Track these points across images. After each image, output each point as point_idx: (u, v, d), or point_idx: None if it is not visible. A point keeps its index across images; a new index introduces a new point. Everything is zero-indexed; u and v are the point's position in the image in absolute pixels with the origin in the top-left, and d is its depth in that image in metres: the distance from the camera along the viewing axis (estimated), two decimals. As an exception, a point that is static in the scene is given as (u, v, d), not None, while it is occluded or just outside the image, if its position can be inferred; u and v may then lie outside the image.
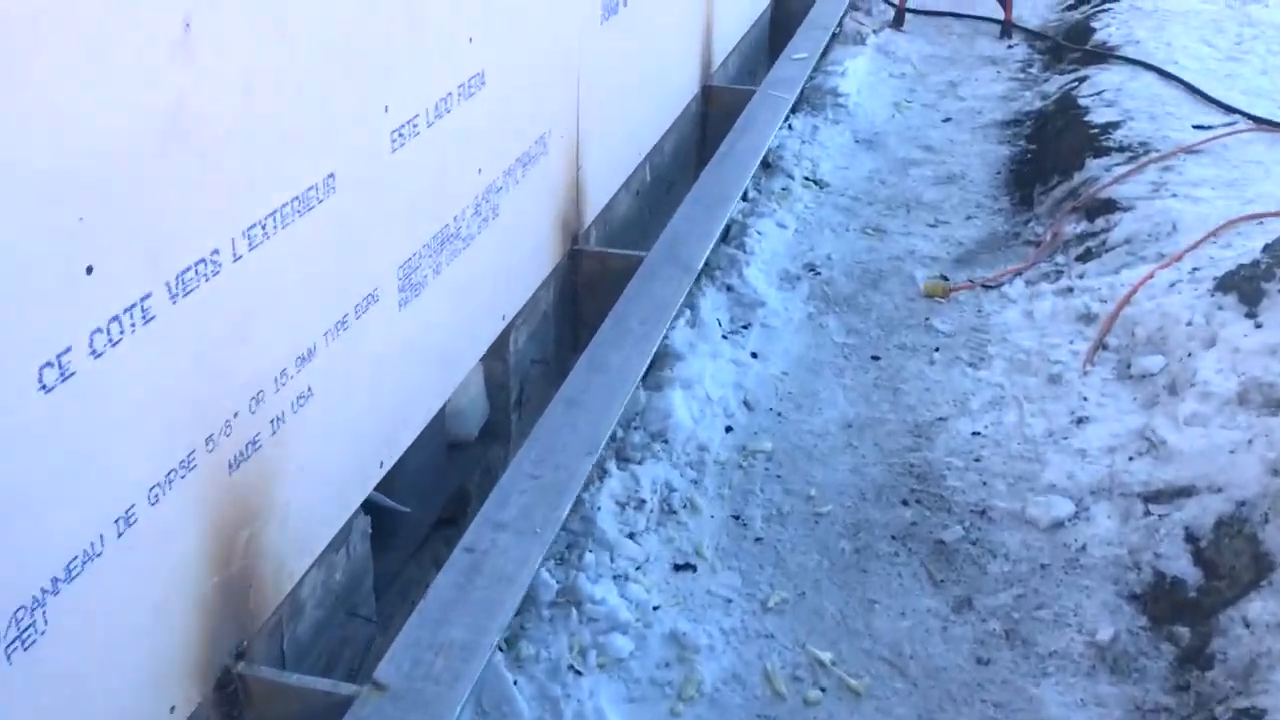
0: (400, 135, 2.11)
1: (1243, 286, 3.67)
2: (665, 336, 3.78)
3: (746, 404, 3.79)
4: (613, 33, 3.40)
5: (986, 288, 4.49)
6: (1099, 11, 7.68)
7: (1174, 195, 4.61)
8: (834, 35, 7.34)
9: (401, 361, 2.31)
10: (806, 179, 5.49)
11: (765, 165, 5.43)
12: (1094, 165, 5.11)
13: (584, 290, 3.41)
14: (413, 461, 2.44)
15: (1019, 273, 4.56)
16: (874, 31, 7.81)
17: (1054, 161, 5.45)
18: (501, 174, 2.61)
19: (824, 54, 6.93)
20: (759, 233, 4.81)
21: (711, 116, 4.85)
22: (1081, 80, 6.34)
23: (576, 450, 2.47)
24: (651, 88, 4.00)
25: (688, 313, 4.04)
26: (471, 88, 2.33)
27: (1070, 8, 8.28)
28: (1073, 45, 7.11)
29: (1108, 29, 7.19)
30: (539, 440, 2.49)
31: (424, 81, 2.24)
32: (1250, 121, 5.35)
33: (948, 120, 6.47)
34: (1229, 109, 5.49)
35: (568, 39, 3.06)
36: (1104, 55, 6.66)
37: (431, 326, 2.42)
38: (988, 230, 5.08)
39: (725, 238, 4.74)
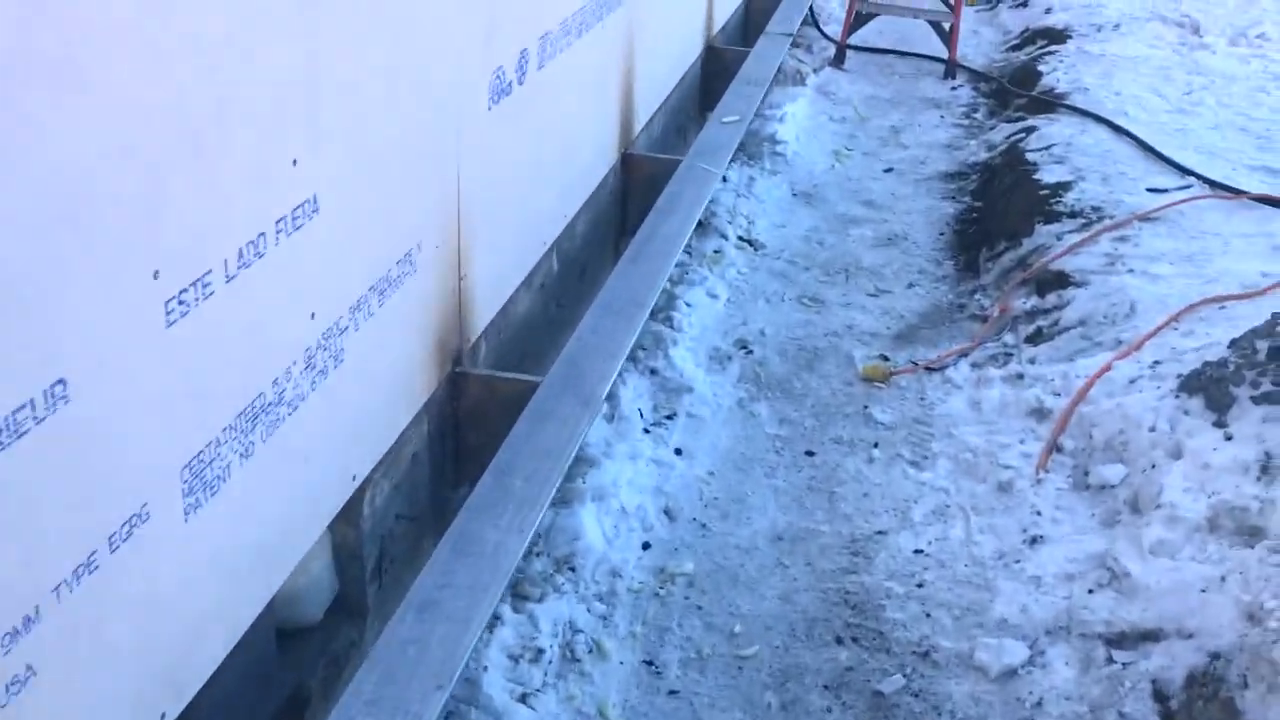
0: (181, 304, 1.62)
1: (1210, 389, 3.33)
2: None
3: (668, 513, 3.39)
4: (504, 116, 2.95)
5: (930, 370, 4.13)
6: (1045, 54, 7.39)
7: (1130, 271, 4.28)
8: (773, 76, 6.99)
9: (190, 584, 1.80)
10: (741, 239, 5.11)
11: (697, 225, 5.05)
12: (1044, 232, 4.77)
13: (468, 419, 2.93)
14: (227, 673, 1.95)
15: (964, 353, 4.20)
16: (814, 70, 7.47)
17: (1001, 224, 5.11)
18: (346, 311, 2.15)
19: (762, 97, 6.58)
20: (688, 304, 4.41)
21: (633, 187, 4.39)
22: (1029, 131, 6.02)
23: (422, 684, 1.94)
24: (557, 168, 3.52)
25: (606, 406, 3.63)
26: (298, 219, 1.88)
27: (1015, 48, 8.00)
28: (1019, 91, 6.80)
29: (1055, 74, 6.89)
30: (377, 666, 1.99)
31: (217, 227, 1.74)
32: (1205, 185, 5.04)
33: (890, 170, 6.13)
34: (1183, 170, 5.18)
35: (443, 134, 2.59)
36: (1052, 104, 6.36)
37: (240, 524, 1.91)
38: (931, 301, 4.72)
39: (652, 312, 4.34)
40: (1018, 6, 8.82)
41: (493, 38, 2.82)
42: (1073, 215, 4.81)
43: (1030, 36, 7.96)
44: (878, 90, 7.40)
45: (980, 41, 8.43)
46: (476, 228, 2.81)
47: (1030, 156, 5.59)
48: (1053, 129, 5.90)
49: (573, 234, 3.70)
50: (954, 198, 5.74)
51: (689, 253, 4.85)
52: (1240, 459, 3.09)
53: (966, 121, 6.81)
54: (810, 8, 8.09)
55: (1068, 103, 6.28)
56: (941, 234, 5.36)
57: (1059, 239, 4.67)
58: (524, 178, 3.21)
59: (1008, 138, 6.15)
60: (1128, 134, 5.68)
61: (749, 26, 6.51)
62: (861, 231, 5.35)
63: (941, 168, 6.15)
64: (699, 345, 4.22)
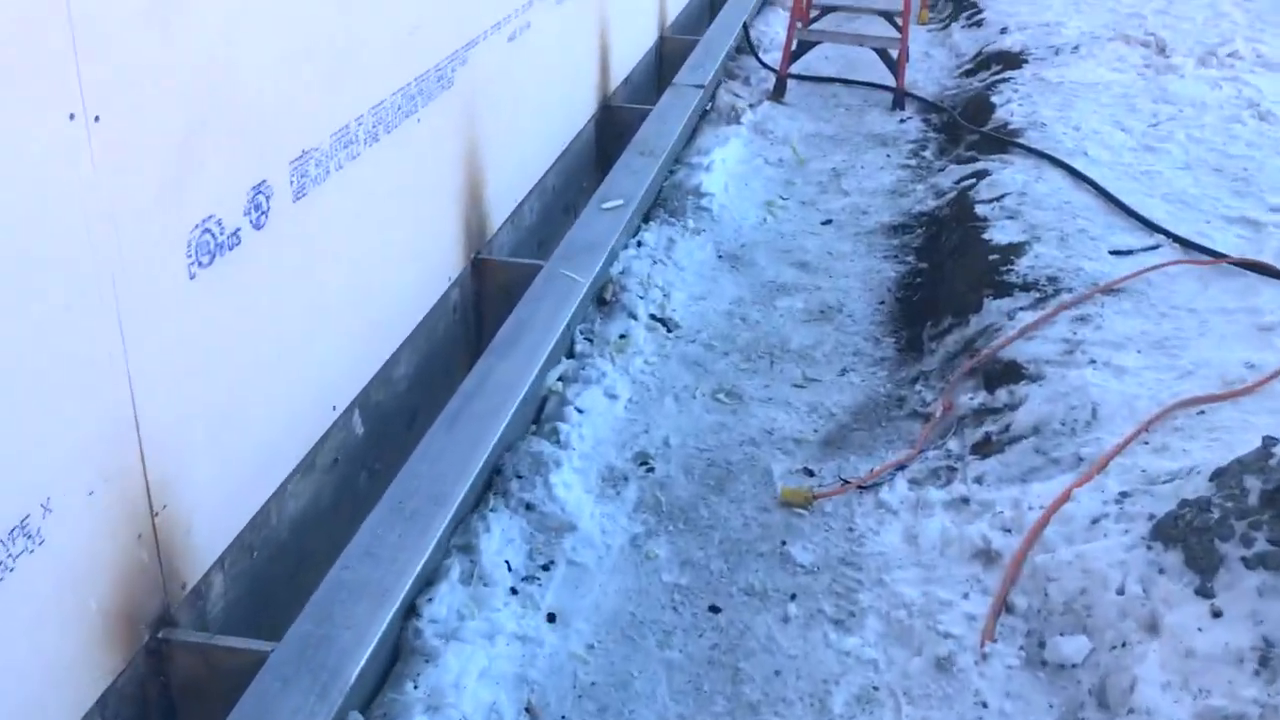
0: None
1: (1190, 542, 2.67)
2: (415, 612, 2.71)
3: (529, 714, 2.72)
4: (226, 280, 2.26)
5: (862, 488, 3.47)
6: (999, 81, 6.75)
7: (1092, 362, 3.63)
8: (704, 114, 6.32)
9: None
10: (654, 318, 4.44)
11: (602, 302, 4.38)
12: (994, 308, 4.12)
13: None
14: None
15: (902, 465, 3.54)
16: (751, 106, 6.81)
17: (947, 294, 4.46)
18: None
19: (689, 140, 5.91)
20: (581, 410, 3.74)
21: (488, 298, 3.56)
22: (980, 176, 5.37)
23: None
24: (348, 310, 2.71)
25: (459, 565, 2.96)
26: None
27: (968, 73, 7.35)
28: (970, 127, 6.15)
29: (1009, 105, 6.25)
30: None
31: None
32: (1176, 245, 4.40)
33: (828, 223, 5.47)
34: (1151, 226, 4.54)
35: (103, 338, 1.92)
36: (1005, 141, 5.71)
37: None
38: (866, 392, 4.06)
39: (538, 420, 3.67)
40: (971, 25, 8.18)
41: (187, 184, 2.10)
42: (1026, 287, 4.15)
43: (984, 60, 7.31)
44: (820, 126, 6.74)
45: (931, 65, 7.79)
46: (182, 450, 2.08)
47: (980, 209, 4.94)
48: (1005, 174, 5.25)
49: (390, 380, 2.95)
50: (897, 256, 5.08)
51: (590, 337, 4.19)
52: (1233, 646, 2.44)
53: (914, 161, 6.16)
54: (747, 34, 7.43)
55: (1022, 141, 5.64)
56: (882, 303, 4.70)
57: (1010, 318, 4.01)
58: (269, 350, 2.44)
59: (957, 183, 5.50)
60: (1088, 181, 5.03)
61: (662, 74, 5.75)
62: (792, 303, 4.68)
63: (885, 218, 5.49)
64: (590, 465, 3.54)
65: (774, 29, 8.24)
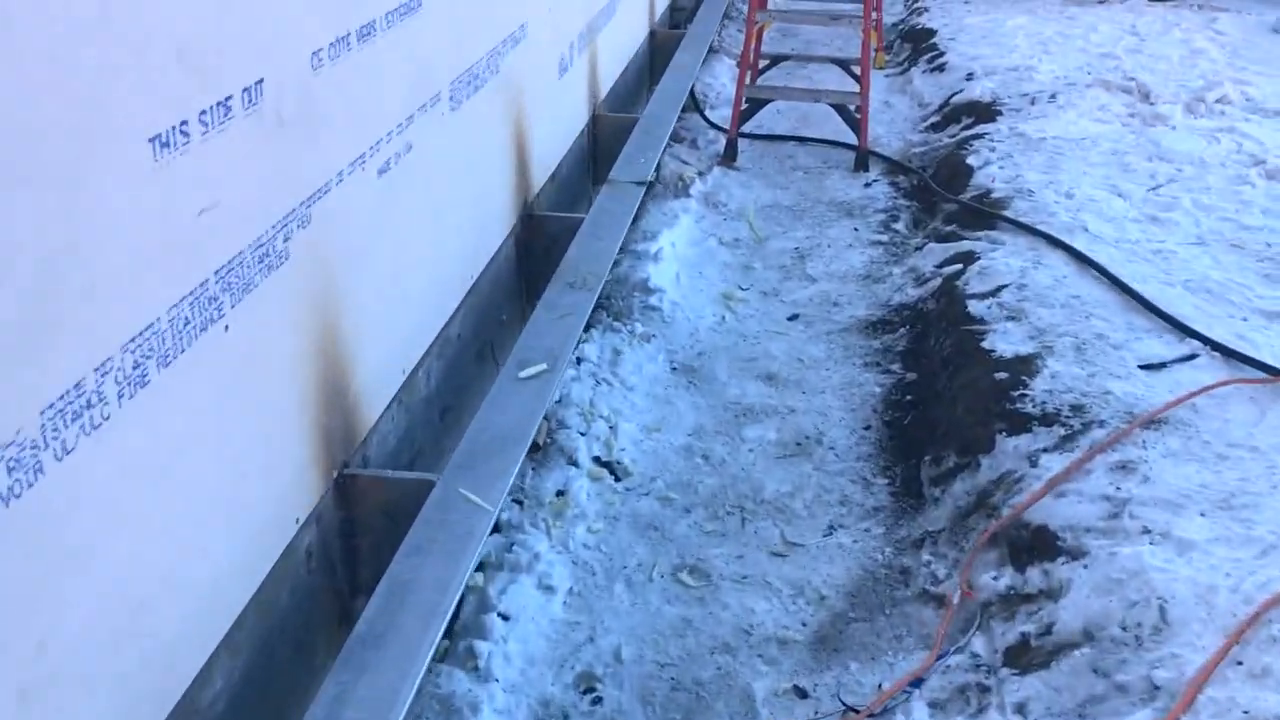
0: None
1: None
2: None
3: None
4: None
5: (872, 718, 2.67)
6: (973, 138, 6.01)
7: (1146, 531, 2.85)
8: (649, 186, 5.53)
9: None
10: (599, 462, 3.63)
11: (535, 447, 3.56)
12: (1009, 449, 3.34)
13: None
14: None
15: (917, 681, 2.74)
16: (700, 174, 6.02)
17: (947, 419, 3.69)
18: None
19: (634, 221, 5.10)
20: (506, 617, 2.92)
21: (363, 525, 2.61)
22: (967, 260, 4.61)
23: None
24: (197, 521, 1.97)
25: None
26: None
27: (936, 126, 6.62)
28: (947, 196, 5.40)
29: (989, 168, 5.51)
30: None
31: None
32: (1215, 353, 3.65)
33: (795, 318, 4.69)
34: (1182, 328, 3.79)
35: None
36: (990, 215, 4.96)
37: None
38: (861, 561, 3.26)
39: (449, 634, 2.84)
40: (933, 70, 7.45)
41: None
42: (1046, 420, 3.38)
43: (952, 113, 6.58)
44: (777, 194, 5.97)
45: (894, 116, 7.05)
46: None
47: (973, 306, 4.17)
48: (998, 259, 4.50)
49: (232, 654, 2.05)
50: (879, 364, 4.30)
51: (520, 501, 3.37)
52: None
53: (886, 236, 5.40)
54: (693, 93, 6.66)
55: (1010, 215, 4.90)
56: (868, 428, 3.91)
57: (1032, 463, 3.24)
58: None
59: (939, 267, 4.74)
60: (1096, 267, 4.28)
61: (598, 158, 4.83)
62: (762, 432, 3.88)
63: (860, 312, 4.71)
64: (519, 702, 2.71)
65: (721, 80, 7.48)
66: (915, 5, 9.09)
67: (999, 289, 4.24)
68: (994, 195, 5.19)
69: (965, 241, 4.84)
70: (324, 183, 2.18)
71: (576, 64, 4.13)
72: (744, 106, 6.27)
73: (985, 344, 3.88)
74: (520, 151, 3.43)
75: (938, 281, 4.60)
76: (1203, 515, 2.90)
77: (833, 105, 6.26)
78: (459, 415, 3.07)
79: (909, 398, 4.00)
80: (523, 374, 2.97)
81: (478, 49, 2.93)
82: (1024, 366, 3.66)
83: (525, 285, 3.69)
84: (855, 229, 5.52)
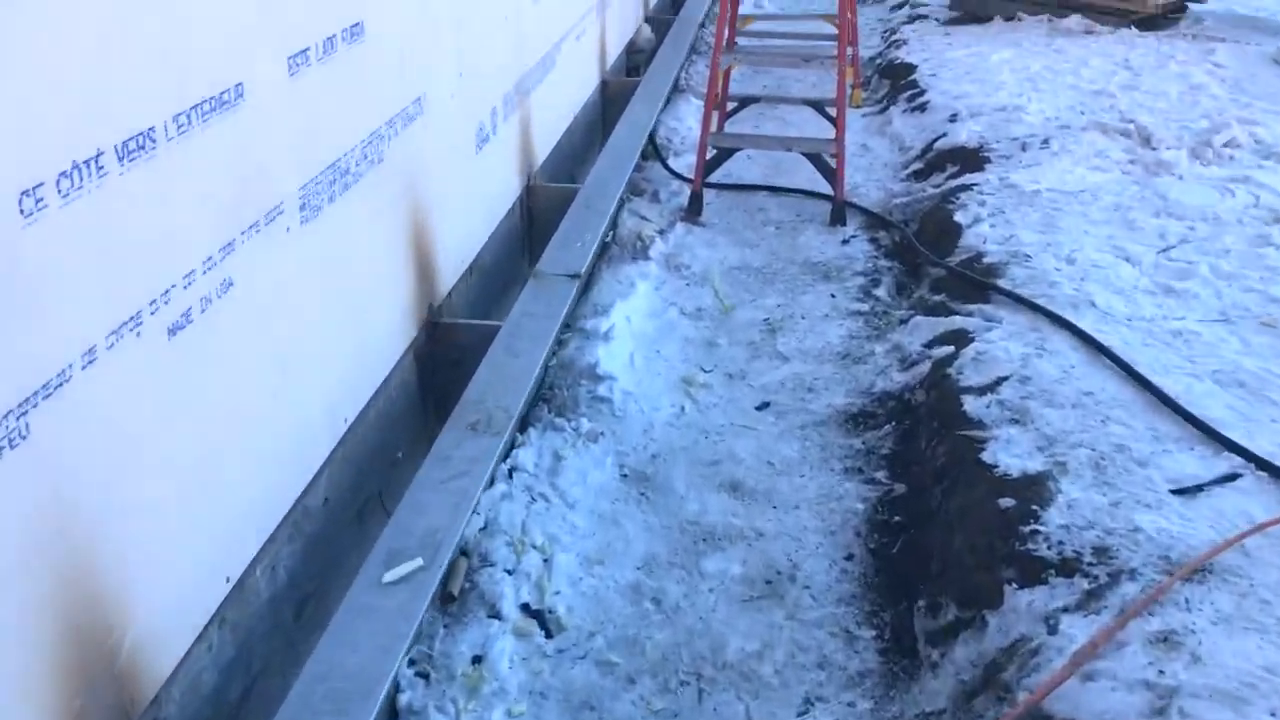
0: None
1: None
2: None
3: None
4: None
5: None
6: (960, 189, 5.40)
7: (1204, 737, 2.22)
8: (604, 247, 4.90)
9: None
10: (527, 611, 2.98)
11: (448, 598, 2.91)
12: (1021, 605, 2.71)
13: None
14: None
15: None
16: (660, 232, 5.39)
17: (943, 552, 3.05)
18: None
19: (584, 291, 4.46)
20: None
21: None
22: (959, 341, 3.99)
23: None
24: None
25: None
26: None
27: (919, 175, 6.00)
28: (934, 260, 4.78)
29: (979, 226, 4.90)
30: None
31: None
32: (1261, 471, 3.03)
33: (765, 407, 4.06)
34: (1220, 439, 3.17)
35: None
36: (984, 285, 4.35)
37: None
38: (845, 753, 2.62)
39: None
40: (914, 110, 6.84)
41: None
42: (1065, 568, 2.74)
43: (936, 159, 5.97)
44: (746, 253, 5.34)
45: (872, 161, 6.44)
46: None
47: (969, 403, 3.55)
48: (995, 342, 3.88)
49: None
50: (861, 470, 3.66)
51: (425, 673, 2.72)
52: None
53: (866, 305, 4.77)
54: (653, 137, 6.04)
55: (1007, 285, 4.28)
56: (850, 557, 3.27)
57: (1050, 628, 2.60)
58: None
59: (928, 347, 4.12)
60: (1107, 353, 3.67)
61: (535, 242, 4.05)
62: (725, 564, 3.24)
63: (838, 400, 4.08)
64: None
65: (686, 123, 6.85)
66: (893, 38, 8.50)
67: (998, 382, 3.62)
68: (987, 260, 4.57)
69: (956, 317, 4.21)
70: (47, 379, 1.52)
71: (503, 131, 3.51)
72: (710, 155, 5.65)
73: (986, 455, 3.25)
74: (420, 249, 2.78)
75: (926, 366, 3.98)
76: (1263, 696, 2.27)
77: (805, 154, 5.64)
78: (325, 602, 2.40)
79: (898, 518, 3.36)
80: (387, 577, 2.30)
81: (346, 138, 2.28)
82: (1034, 490, 3.03)
83: (433, 403, 3.02)
84: (832, 295, 4.89)
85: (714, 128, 5.72)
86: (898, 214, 5.58)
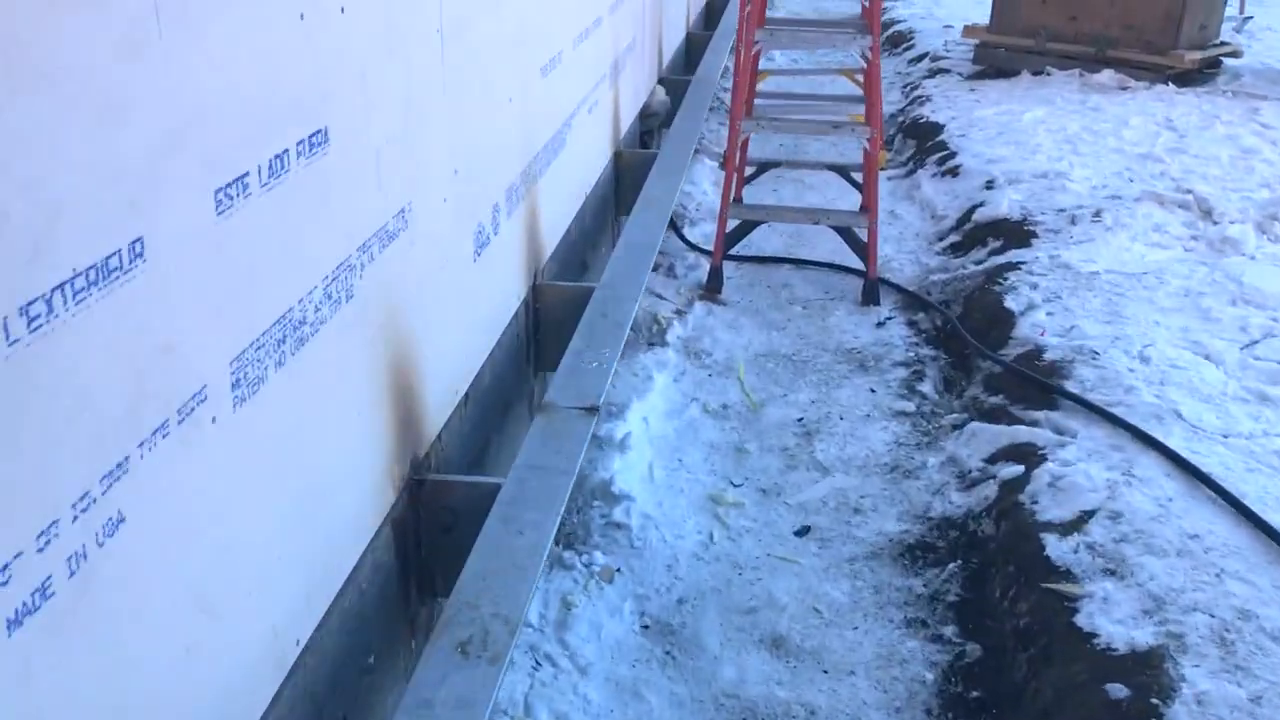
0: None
1: None
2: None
3: None
4: None
5: None
6: (1006, 268, 4.86)
7: None
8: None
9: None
10: (531, 821, 2.41)
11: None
12: (1158, 844, 2.14)
13: None
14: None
15: None
16: (679, 313, 4.87)
17: (1041, 751, 2.48)
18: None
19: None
20: None
21: None
22: (1027, 458, 3.44)
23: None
24: None
25: None
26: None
27: (956, 247, 5.47)
28: (988, 353, 4.23)
29: (1033, 314, 4.36)
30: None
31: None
32: None
33: (805, 533, 3.50)
34: (1367, 607, 2.61)
35: None
36: (1050, 389, 3.80)
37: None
38: None
39: None
40: (944, 174, 6.32)
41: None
42: (1209, 793, 2.18)
43: (976, 232, 5.44)
44: (772, 337, 4.80)
45: (902, 231, 5.91)
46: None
47: (1050, 543, 2.99)
48: (1072, 463, 3.32)
49: None
50: (924, 622, 3.09)
51: None
52: None
53: (912, 403, 4.21)
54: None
55: (1074, 389, 3.73)
56: (920, 744, 2.70)
57: None
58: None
59: (989, 462, 3.57)
60: (1208, 482, 3.11)
61: (543, 348, 3.50)
62: (769, 753, 2.67)
63: (890, 525, 3.52)
64: None
65: (702, 188, 6.34)
66: (915, 94, 8.00)
67: (1084, 517, 3.06)
68: (1047, 356, 4.02)
69: (1020, 426, 3.66)
70: None
71: (506, 229, 2.97)
72: (728, 230, 5.12)
73: (1080, 618, 2.69)
74: (403, 393, 2.21)
75: (992, 489, 3.42)
76: None
77: (834, 228, 5.11)
78: None
79: (975, 692, 2.79)
80: None
81: (301, 280, 1.70)
82: (1149, 674, 2.47)
83: (417, 580, 2.42)
84: (871, 390, 4.34)
85: (732, 193, 5.20)
86: (936, 293, 5.04)
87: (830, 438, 4.02)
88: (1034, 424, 3.67)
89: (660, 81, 6.07)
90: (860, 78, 6.87)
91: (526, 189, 3.12)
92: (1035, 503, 3.21)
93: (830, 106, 6.51)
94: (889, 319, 4.94)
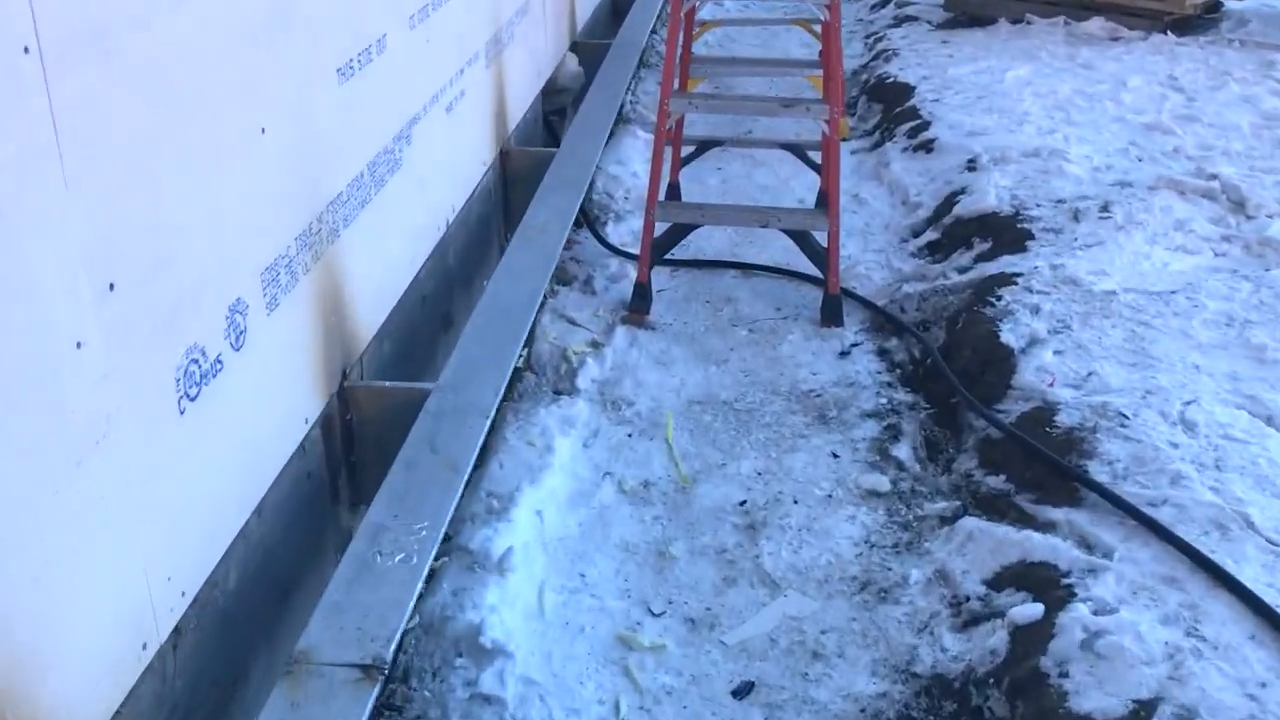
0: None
1: None
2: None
3: None
4: None
5: None
6: (998, 282, 3.86)
7: None
8: (513, 376, 3.33)
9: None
10: None
11: None
12: None
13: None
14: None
15: None
16: (594, 344, 3.85)
17: None
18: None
19: (476, 464, 2.90)
20: None
21: None
22: (1046, 589, 2.48)
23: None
24: None
25: None
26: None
27: (934, 248, 4.46)
28: (983, 412, 3.23)
29: (1039, 351, 3.37)
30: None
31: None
32: None
33: (747, 693, 2.53)
34: None
35: None
36: (1068, 474, 2.82)
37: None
38: None
39: None
40: (917, 150, 5.27)
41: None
42: None
43: (957, 229, 4.42)
44: (710, 375, 3.79)
45: (869, 221, 4.88)
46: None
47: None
48: (1111, 608, 2.36)
49: None
50: None
51: None
52: None
53: (886, 479, 3.21)
54: (585, 213, 4.45)
55: (1102, 481, 2.76)
56: None
57: None
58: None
59: (993, 589, 2.60)
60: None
61: (352, 486, 2.24)
62: None
63: (860, 684, 2.54)
64: None
65: (630, 168, 5.27)
66: (879, 48, 6.91)
67: (1140, 711, 2.09)
68: (1060, 418, 3.04)
69: (1032, 533, 2.69)
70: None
71: (269, 329, 1.87)
72: (657, 237, 4.08)
73: None
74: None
75: (1000, 638, 2.44)
76: None
77: (788, 231, 4.07)
78: None
79: None
80: None
81: None
82: None
83: None
84: (834, 454, 3.34)
85: (662, 187, 4.15)
86: (912, 310, 4.04)
87: (781, 532, 3.02)
88: (1050, 527, 2.70)
89: (573, 48, 4.96)
90: (818, 29, 5.81)
91: (316, 253, 2.05)
92: (1065, 674, 2.24)
93: (782, 72, 5.45)
94: (854, 345, 3.93)
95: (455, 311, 3.14)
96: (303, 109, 1.96)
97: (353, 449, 2.25)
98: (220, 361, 1.73)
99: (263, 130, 1.82)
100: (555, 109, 4.52)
